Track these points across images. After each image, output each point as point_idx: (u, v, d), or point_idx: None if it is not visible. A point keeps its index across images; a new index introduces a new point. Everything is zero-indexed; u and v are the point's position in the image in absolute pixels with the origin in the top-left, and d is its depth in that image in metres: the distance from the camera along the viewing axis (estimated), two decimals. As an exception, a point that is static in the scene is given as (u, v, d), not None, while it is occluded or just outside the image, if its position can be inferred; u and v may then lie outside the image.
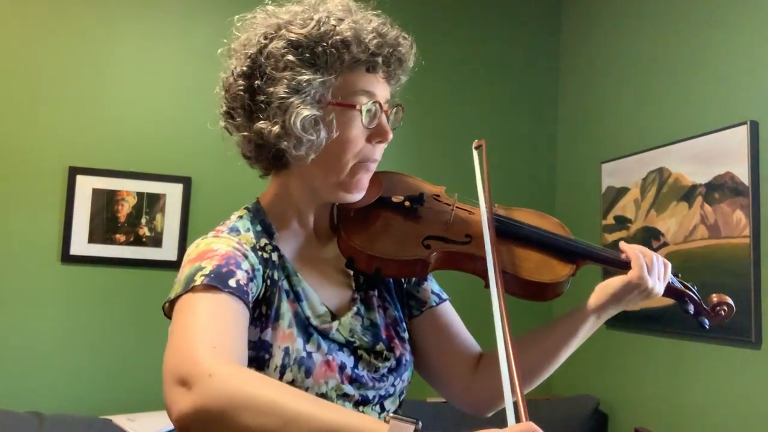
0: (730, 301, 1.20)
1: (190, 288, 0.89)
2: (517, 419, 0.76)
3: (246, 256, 0.97)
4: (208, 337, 0.82)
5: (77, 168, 2.69)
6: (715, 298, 1.20)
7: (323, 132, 1.00)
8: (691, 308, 1.18)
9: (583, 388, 2.85)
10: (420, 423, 0.74)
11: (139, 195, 2.75)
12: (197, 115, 2.76)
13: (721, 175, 2.28)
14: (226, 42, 1.09)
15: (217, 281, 0.89)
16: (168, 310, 0.94)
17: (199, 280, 0.89)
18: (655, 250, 2.54)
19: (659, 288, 1.12)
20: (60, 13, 2.74)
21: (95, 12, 2.78)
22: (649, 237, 2.59)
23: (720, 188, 2.28)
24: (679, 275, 1.21)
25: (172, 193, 2.78)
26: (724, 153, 2.28)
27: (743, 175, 2.19)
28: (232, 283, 0.91)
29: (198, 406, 0.74)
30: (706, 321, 1.19)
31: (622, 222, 2.76)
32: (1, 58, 2.67)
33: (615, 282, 1.11)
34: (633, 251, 1.13)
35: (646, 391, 2.60)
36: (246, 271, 0.95)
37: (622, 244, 1.16)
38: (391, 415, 0.77)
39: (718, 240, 2.26)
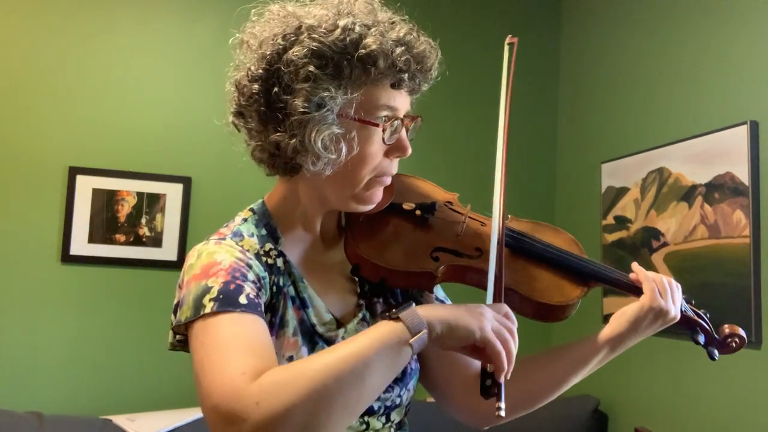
0: (742, 333, 1.17)
1: (200, 315, 0.87)
2: (495, 300, 0.93)
3: (250, 266, 0.95)
4: (234, 363, 0.80)
5: (77, 168, 2.68)
6: (727, 329, 1.17)
7: (344, 149, 0.96)
8: (702, 339, 1.15)
9: (583, 388, 2.84)
10: (413, 303, 0.88)
11: (139, 195, 2.75)
12: (197, 115, 2.77)
13: (721, 175, 2.28)
14: (237, 33, 1.04)
15: (227, 304, 0.87)
16: (176, 327, 0.93)
17: (208, 306, 0.87)
18: (655, 250, 2.54)
19: (674, 312, 1.10)
20: (60, 13, 2.74)
21: (95, 12, 2.77)
22: (649, 237, 2.59)
23: (720, 188, 2.28)
24: (693, 302, 1.18)
25: (172, 193, 2.78)
26: (724, 153, 2.28)
27: (743, 175, 2.19)
28: (242, 300, 0.88)
29: (264, 429, 0.74)
30: (716, 352, 1.16)
31: (622, 222, 2.76)
32: (0, 58, 2.66)
33: (630, 309, 1.10)
34: (643, 273, 1.12)
35: (646, 391, 2.60)
36: (253, 282, 0.93)
37: (635, 265, 1.15)
38: (393, 311, 0.86)
39: (718, 240, 2.26)
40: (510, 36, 1.14)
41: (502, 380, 0.87)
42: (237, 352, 0.82)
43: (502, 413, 0.85)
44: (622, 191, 2.77)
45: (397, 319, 0.85)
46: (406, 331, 0.84)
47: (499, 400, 0.86)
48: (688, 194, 2.42)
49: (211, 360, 0.82)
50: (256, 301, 0.90)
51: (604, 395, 2.79)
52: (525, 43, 3.32)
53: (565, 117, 3.30)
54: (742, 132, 2.20)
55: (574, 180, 3.17)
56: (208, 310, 0.87)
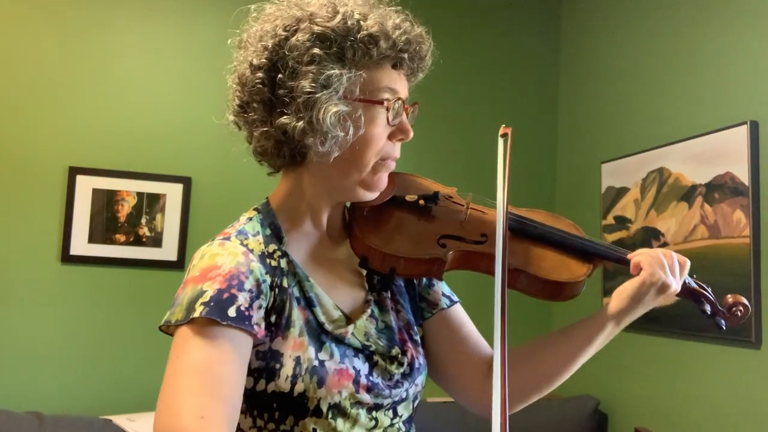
0: (745, 301, 1.18)
1: (189, 319, 0.89)
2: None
3: (252, 271, 0.95)
4: (196, 403, 0.82)
5: (77, 168, 2.68)
6: (730, 298, 1.18)
7: (351, 128, 0.98)
8: (708, 309, 1.17)
9: (583, 388, 2.84)
10: None
11: (139, 195, 2.75)
12: (197, 115, 2.77)
13: (721, 175, 2.28)
14: (237, 32, 1.06)
15: (216, 312, 0.88)
16: (165, 326, 0.94)
17: (198, 309, 0.89)
18: (655, 250, 2.54)
19: (675, 284, 1.10)
20: (60, 13, 2.74)
21: (95, 12, 2.78)
22: (649, 237, 2.59)
23: (720, 188, 2.28)
24: (694, 276, 1.20)
25: (172, 193, 2.78)
26: (724, 153, 2.28)
27: (743, 175, 2.19)
28: (231, 312, 0.89)
29: None
30: (723, 322, 1.17)
31: (622, 222, 2.76)
32: (1, 59, 2.67)
33: (630, 285, 1.10)
34: (641, 255, 1.11)
35: (646, 391, 2.60)
36: (249, 291, 0.93)
37: (630, 255, 1.14)
38: None
39: (718, 240, 2.26)
40: (503, 126, 1.06)
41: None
42: (203, 389, 0.84)
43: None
44: (622, 191, 2.77)
45: None
46: None
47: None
48: (688, 194, 2.42)
49: (178, 382, 0.85)
50: (247, 313, 0.91)
51: (604, 395, 2.79)
52: (525, 43, 3.34)
53: (565, 117, 3.30)
54: (742, 132, 2.20)
55: (574, 180, 3.17)
56: (197, 314, 0.88)
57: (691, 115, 2.49)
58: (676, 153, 2.50)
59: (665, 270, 1.09)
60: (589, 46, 3.16)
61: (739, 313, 1.18)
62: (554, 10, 3.39)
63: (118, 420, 2.36)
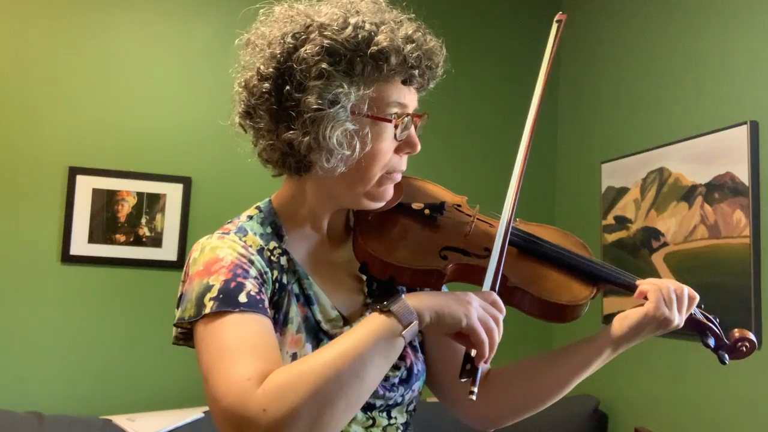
0: (752, 336, 1.15)
1: (202, 315, 0.89)
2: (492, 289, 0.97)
3: (252, 262, 0.95)
4: (239, 369, 0.82)
5: (77, 168, 2.68)
6: (737, 333, 1.16)
7: (358, 145, 0.97)
8: (712, 342, 1.15)
9: (583, 388, 2.84)
10: (402, 295, 0.90)
11: (139, 195, 2.75)
12: (197, 115, 2.77)
13: (721, 175, 2.28)
14: (240, 32, 1.05)
15: (227, 303, 0.88)
16: (178, 323, 0.94)
17: (209, 305, 0.89)
18: (655, 250, 2.54)
19: (679, 320, 1.09)
20: (60, 13, 2.74)
21: (95, 12, 2.77)
22: (649, 237, 2.59)
23: (720, 188, 2.28)
24: (702, 306, 1.17)
25: (172, 193, 2.78)
26: (724, 153, 2.28)
27: (743, 175, 2.19)
28: (242, 298, 0.89)
29: None
30: (726, 356, 1.15)
31: (622, 222, 2.76)
32: (1, 59, 2.66)
33: (633, 314, 1.09)
34: (650, 286, 1.09)
35: (646, 391, 2.60)
36: (255, 278, 0.93)
37: (639, 281, 1.13)
38: (384, 304, 0.88)
39: (718, 240, 2.26)
40: (560, 13, 1.17)
41: (480, 366, 0.90)
42: (241, 355, 0.83)
43: (474, 397, 0.89)
44: (622, 191, 2.77)
45: (388, 312, 0.87)
46: (397, 323, 0.86)
47: (473, 384, 0.90)
48: (688, 194, 2.42)
49: (217, 365, 0.84)
50: (258, 297, 0.91)
51: (604, 395, 2.79)
52: (525, 43, 3.33)
53: (565, 117, 3.30)
54: (742, 132, 2.20)
55: (574, 180, 3.17)
56: (208, 310, 0.88)
57: (691, 115, 2.49)
58: (676, 153, 2.50)
59: (671, 306, 1.08)
60: (589, 45, 3.16)
61: (744, 348, 1.15)
62: (554, 10, 3.39)
63: (118, 420, 2.36)
